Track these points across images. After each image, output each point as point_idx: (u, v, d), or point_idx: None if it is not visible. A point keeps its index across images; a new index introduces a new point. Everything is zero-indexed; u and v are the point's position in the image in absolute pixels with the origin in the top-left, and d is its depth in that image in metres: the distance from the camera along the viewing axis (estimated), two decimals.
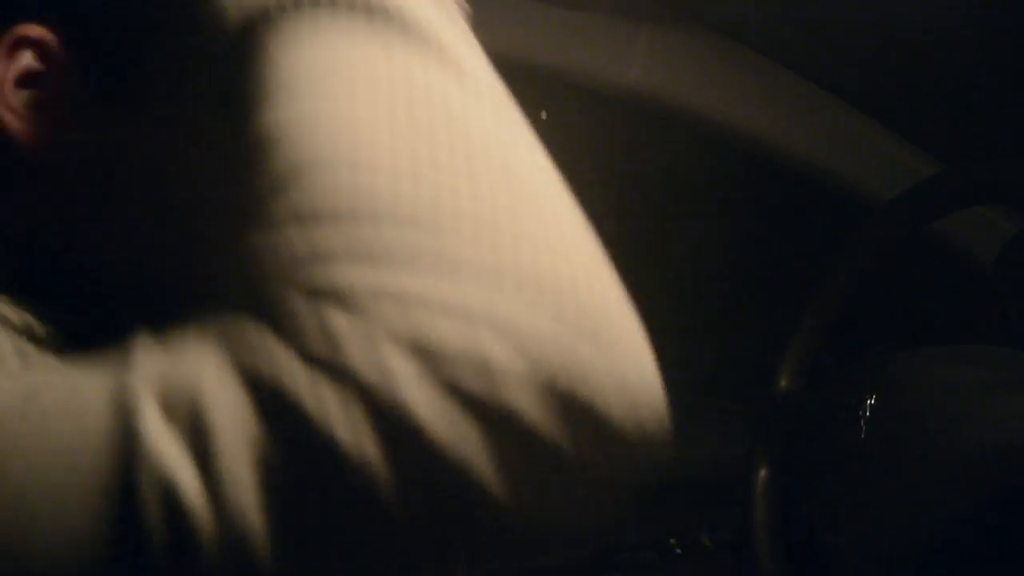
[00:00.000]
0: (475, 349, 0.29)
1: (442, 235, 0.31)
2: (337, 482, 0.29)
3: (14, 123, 0.51)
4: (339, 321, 0.30)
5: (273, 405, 0.29)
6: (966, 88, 1.04)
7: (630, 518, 1.05)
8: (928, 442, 0.71)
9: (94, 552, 0.30)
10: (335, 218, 0.32)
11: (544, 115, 1.30)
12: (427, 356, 0.29)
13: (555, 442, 0.29)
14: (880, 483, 0.76)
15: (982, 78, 1.02)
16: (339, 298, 0.30)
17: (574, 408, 0.30)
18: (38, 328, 0.48)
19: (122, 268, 0.55)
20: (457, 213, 0.32)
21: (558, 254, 0.32)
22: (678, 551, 1.10)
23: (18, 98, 0.51)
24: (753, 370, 0.99)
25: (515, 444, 0.29)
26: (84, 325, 0.50)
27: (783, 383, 0.91)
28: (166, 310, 0.40)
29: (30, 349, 0.44)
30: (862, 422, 0.77)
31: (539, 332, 0.30)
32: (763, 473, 0.88)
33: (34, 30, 0.51)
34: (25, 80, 0.51)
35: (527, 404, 0.29)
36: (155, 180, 0.52)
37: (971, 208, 0.90)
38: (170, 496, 0.29)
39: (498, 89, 0.40)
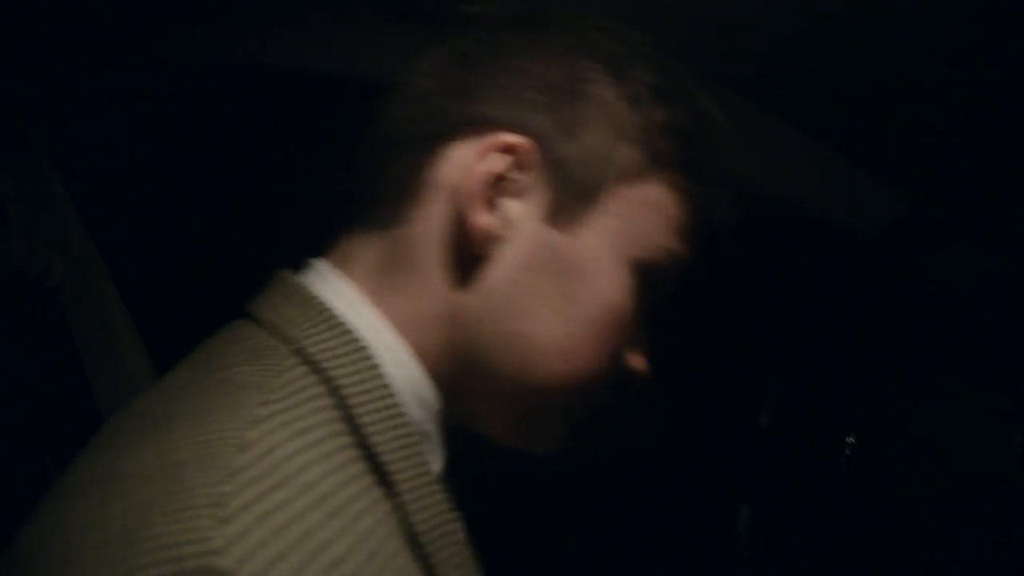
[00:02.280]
0: None
1: None
2: None
3: (477, 213, 0.57)
4: None
5: None
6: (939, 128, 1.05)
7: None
8: (911, 475, 0.71)
9: None
10: None
11: None
12: None
13: None
14: (863, 514, 0.75)
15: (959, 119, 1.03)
16: None
17: None
18: None
19: None
20: None
21: None
22: None
23: (487, 193, 0.58)
24: (736, 406, 0.98)
25: None
26: None
27: (764, 420, 0.90)
28: None
29: None
30: (844, 457, 0.76)
31: None
32: (746, 510, 0.87)
33: (518, 140, 0.58)
34: (495, 179, 0.58)
35: None
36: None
37: (949, 243, 0.90)
38: None
39: None
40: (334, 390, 0.53)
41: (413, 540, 0.51)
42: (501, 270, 0.59)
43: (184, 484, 0.43)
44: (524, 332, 0.59)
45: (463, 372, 0.60)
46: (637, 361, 0.66)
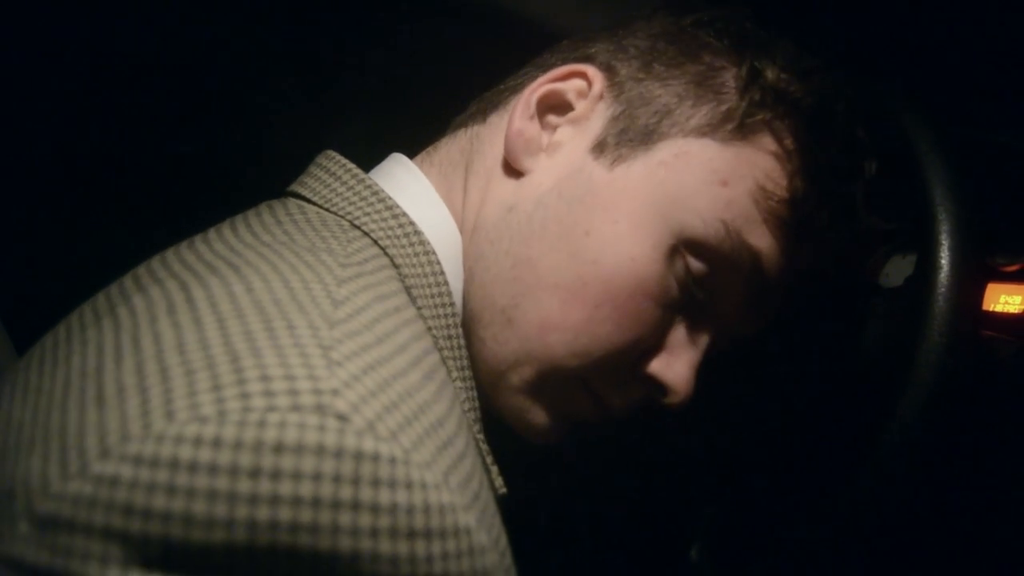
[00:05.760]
0: None
1: None
2: None
3: (519, 118, 0.58)
4: None
5: None
6: None
7: None
8: None
9: None
10: None
11: None
12: None
13: None
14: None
15: None
16: None
17: None
18: None
19: None
20: None
21: None
22: None
23: (538, 107, 0.59)
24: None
25: None
26: None
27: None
28: None
29: None
30: None
31: None
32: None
33: (586, 68, 0.59)
34: (553, 96, 0.59)
35: None
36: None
37: None
38: None
39: None
40: (395, 266, 0.52)
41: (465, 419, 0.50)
42: (531, 189, 0.57)
43: (288, 321, 0.39)
44: (531, 257, 0.55)
45: (466, 305, 0.57)
46: (667, 373, 0.57)
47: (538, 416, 0.59)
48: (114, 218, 0.78)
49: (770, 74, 0.57)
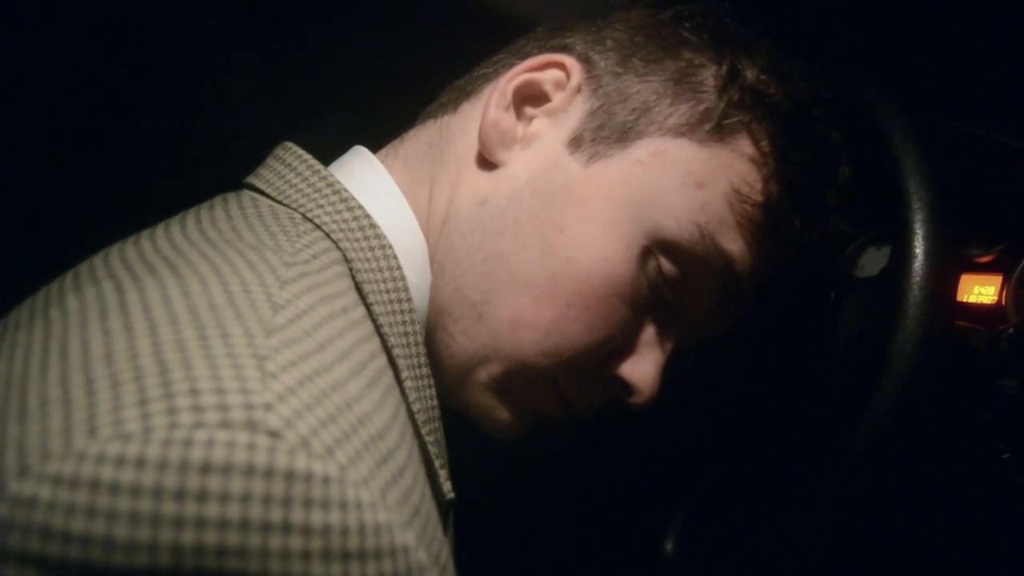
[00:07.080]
0: None
1: None
2: None
3: (494, 108, 0.57)
4: None
5: None
6: None
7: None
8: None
9: None
10: None
11: None
12: None
13: None
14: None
15: None
16: None
17: None
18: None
19: None
20: None
21: None
22: None
23: (515, 97, 0.57)
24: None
25: None
26: None
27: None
28: None
29: None
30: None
31: None
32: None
33: (563, 59, 0.58)
34: (529, 86, 0.58)
35: None
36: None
37: None
38: None
39: None
40: (348, 261, 0.51)
41: (412, 423, 0.49)
42: (506, 182, 0.56)
43: (223, 329, 0.37)
44: (503, 253, 0.54)
45: (435, 299, 0.56)
46: (633, 373, 0.57)
47: (503, 413, 0.58)
48: (71, 210, 0.77)
49: (750, 75, 0.57)
